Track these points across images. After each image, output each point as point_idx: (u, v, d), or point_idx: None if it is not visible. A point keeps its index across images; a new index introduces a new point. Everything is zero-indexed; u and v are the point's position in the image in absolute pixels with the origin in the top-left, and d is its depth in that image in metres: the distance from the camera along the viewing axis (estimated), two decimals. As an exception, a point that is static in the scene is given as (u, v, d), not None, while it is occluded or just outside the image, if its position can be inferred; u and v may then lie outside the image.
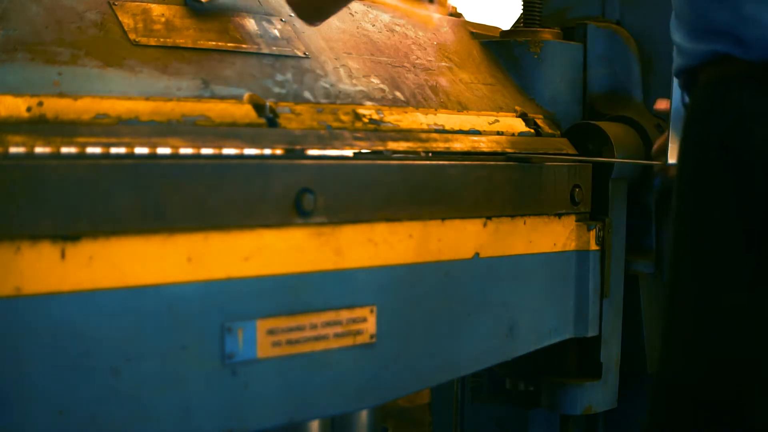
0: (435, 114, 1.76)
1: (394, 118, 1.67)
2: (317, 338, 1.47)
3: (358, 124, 1.60)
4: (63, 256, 1.21)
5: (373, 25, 1.88)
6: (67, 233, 1.21)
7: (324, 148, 1.50)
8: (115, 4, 1.48)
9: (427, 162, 1.63)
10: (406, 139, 1.64)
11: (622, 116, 2.07)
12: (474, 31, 2.12)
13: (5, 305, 1.17)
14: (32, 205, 1.18)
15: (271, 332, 1.41)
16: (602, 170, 1.97)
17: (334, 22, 1.80)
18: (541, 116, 1.98)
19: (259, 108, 1.48)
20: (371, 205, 1.54)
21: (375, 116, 1.64)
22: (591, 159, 1.95)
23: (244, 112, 1.46)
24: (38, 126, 1.24)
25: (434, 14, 2.09)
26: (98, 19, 1.44)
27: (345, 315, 1.50)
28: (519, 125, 1.91)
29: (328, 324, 1.48)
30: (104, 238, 1.25)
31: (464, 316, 1.69)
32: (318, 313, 1.47)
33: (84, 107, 1.30)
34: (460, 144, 1.73)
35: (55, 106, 1.28)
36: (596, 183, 1.97)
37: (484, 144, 1.78)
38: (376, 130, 1.62)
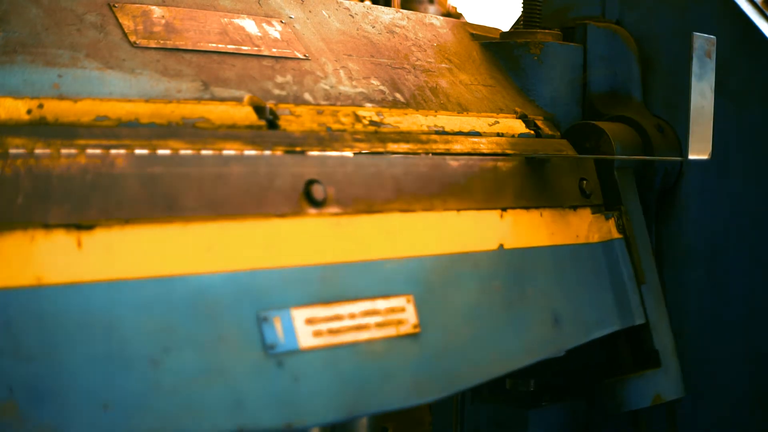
0: (435, 116, 1.76)
1: (394, 119, 1.67)
2: (359, 327, 1.44)
3: (358, 126, 1.60)
4: (79, 245, 1.20)
5: (373, 27, 1.88)
6: (80, 223, 1.20)
7: (324, 150, 1.50)
8: (116, 6, 1.48)
9: (427, 157, 1.63)
10: (406, 141, 1.64)
11: (621, 116, 2.07)
12: (474, 32, 2.12)
13: (27, 295, 1.15)
14: (41, 196, 1.18)
15: (310, 321, 1.38)
16: (604, 162, 1.97)
17: (335, 24, 1.80)
18: (541, 117, 1.98)
19: (259, 110, 1.48)
20: (382, 197, 1.53)
21: (375, 118, 1.64)
22: (593, 156, 1.95)
23: (244, 114, 1.46)
24: (38, 128, 1.24)
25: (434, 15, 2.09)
26: (98, 21, 1.44)
27: (382, 304, 1.48)
28: (519, 127, 1.91)
29: (367, 313, 1.46)
30: (119, 228, 1.24)
31: (504, 306, 1.66)
32: (353, 302, 1.44)
33: (84, 109, 1.30)
34: (460, 145, 1.73)
35: (56, 109, 1.28)
36: (602, 175, 1.97)
37: (484, 145, 1.77)
38: (376, 132, 1.62)
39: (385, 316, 1.48)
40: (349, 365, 1.41)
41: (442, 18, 2.10)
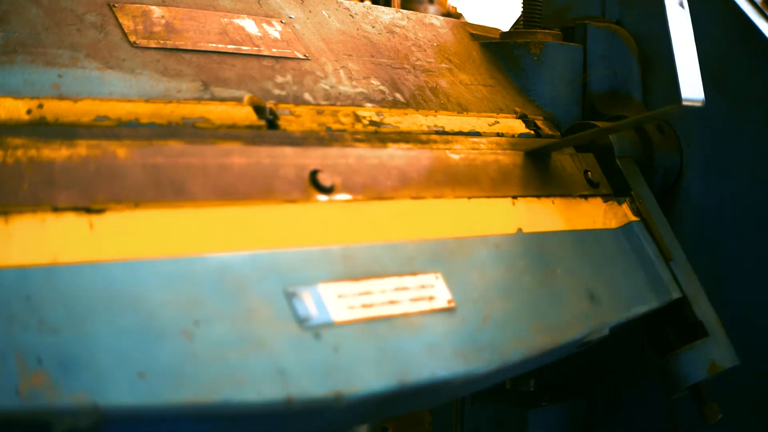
0: (435, 116, 1.76)
1: (394, 119, 1.67)
2: (392, 302, 1.40)
3: (358, 126, 1.60)
4: (92, 227, 1.18)
5: (373, 27, 1.88)
6: (90, 206, 1.19)
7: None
8: (115, 6, 1.48)
9: (429, 152, 1.63)
10: (407, 141, 1.64)
11: (621, 116, 2.07)
12: (474, 32, 2.12)
13: (44, 272, 1.13)
14: (46, 182, 1.17)
15: (341, 296, 1.35)
16: (605, 154, 1.97)
17: (335, 24, 1.80)
18: (541, 117, 1.99)
19: (259, 110, 1.48)
20: (389, 186, 1.52)
21: (375, 118, 1.64)
22: (588, 132, 1.93)
23: (244, 114, 1.46)
24: (38, 128, 1.24)
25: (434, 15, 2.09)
26: (98, 21, 1.44)
27: (411, 281, 1.44)
28: (519, 127, 1.91)
29: (398, 288, 1.42)
30: (129, 211, 1.22)
31: (536, 284, 1.63)
32: (381, 277, 1.41)
33: (84, 109, 1.30)
34: (460, 145, 1.73)
35: (55, 109, 1.28)
36: (605, 166, 1.96)
37: (484, 145, 1.78)
38: (377, 132, 1.62)
39: (417, 292, 1.44)
40: (389, 337, 1.36)
41: (442, 18, 2.10)
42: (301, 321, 1.28)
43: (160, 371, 1.14)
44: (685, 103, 1.60)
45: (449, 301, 1.46)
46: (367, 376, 1.30)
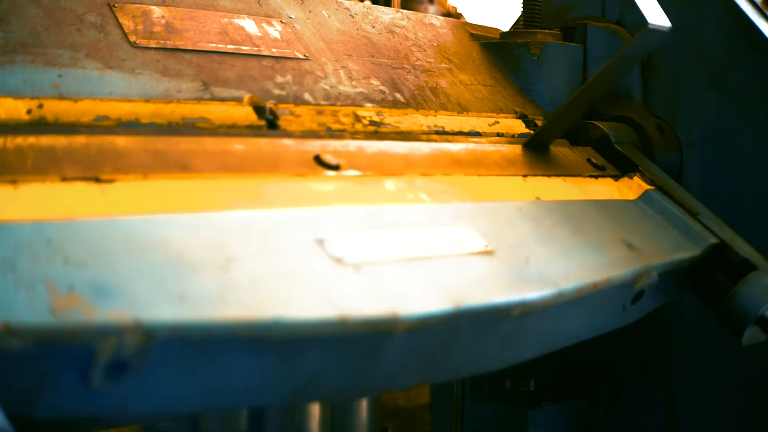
0: (435, 115, 1.76)
1: (394, 119, 1.67)
2: (427, 246, 1.34)
3: (358, 126, 1.60)
4: (104, 193, 1.15)
5: (373, 27, 1.88)
6: (99, 177, 1.16)
7: (324, 149, 1.50)
8: (115, 6, 1.48)
9: (429, 144, 1.63)
10: (406, 140, 1.64)
11: (621, 116, 2.08)
12: (474, 32, 2.12)
13: (62, 225, 1.07)
14: (51, 159, 1.15)
15: (373, 241, 1.29)
16: (602, 143, 1.97)
17: (335, 24, 1.80)
18: (541, 117, 1.99)
19: (259, 110, 1.48)
20: (395, 167, 1.50)
21: (375, 118, 1.64)
22: (574, 95, 1.90)
23: (244, 114, 1.46)
24: (38, 128, 1.24)
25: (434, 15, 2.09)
26: (98, 21, 1.44)
27: (442, 231, 1.40)
28: (519, 126, 1.91)
29: (430, 237, 1.36)
30: (139, 181, 1.19)
31: (569, 235, 1.59)
32: (409, 227, 1.36)
33: (84, 109, 1.30)
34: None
35: (55, 109, 1.28)
36: (605, 153, 1.95)
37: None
38: (377, 131, 1.62)
39: (450, 240, 1.38)
40: (433, 272, 1.29)
41: (442, 18, 2.10)
42: (338, 260, 1.22)
43: (201, 295, 1.07)
44: (651, 26, 1.59)
45: (486, 246, 1.41)
46: (421, 300, 1.23)
